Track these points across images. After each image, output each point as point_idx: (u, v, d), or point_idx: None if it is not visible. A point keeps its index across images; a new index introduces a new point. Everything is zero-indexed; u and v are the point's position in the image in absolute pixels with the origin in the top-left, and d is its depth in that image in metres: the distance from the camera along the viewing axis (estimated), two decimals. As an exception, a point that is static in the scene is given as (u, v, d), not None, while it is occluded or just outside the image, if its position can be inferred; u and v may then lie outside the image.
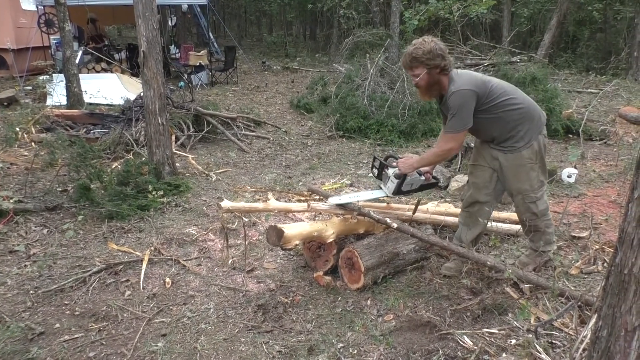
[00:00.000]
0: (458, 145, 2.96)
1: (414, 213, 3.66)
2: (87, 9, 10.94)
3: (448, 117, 2.93)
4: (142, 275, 3.48)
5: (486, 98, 2.90)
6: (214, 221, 4.40)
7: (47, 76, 9.42)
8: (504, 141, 3.03)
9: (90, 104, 8.74)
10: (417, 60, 2.90)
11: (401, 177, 3.11)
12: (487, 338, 2.66)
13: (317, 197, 3.96)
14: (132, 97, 7.71)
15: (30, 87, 10.14)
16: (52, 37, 11.18)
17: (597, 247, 3.66)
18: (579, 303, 2.80)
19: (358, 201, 3.29)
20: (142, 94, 5.70)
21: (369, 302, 3.13)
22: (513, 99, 2.97)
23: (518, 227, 3.62)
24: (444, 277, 3.35)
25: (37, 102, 8.95)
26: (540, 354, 2.43)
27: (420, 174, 3.22)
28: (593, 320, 2.10)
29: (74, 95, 8.56)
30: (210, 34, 14.63)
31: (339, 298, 3.19)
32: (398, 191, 3.18)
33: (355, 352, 2.66)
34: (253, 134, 7.77)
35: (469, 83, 2.87)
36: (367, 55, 9.13)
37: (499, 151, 3.07)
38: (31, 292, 3.27)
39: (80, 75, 9.02)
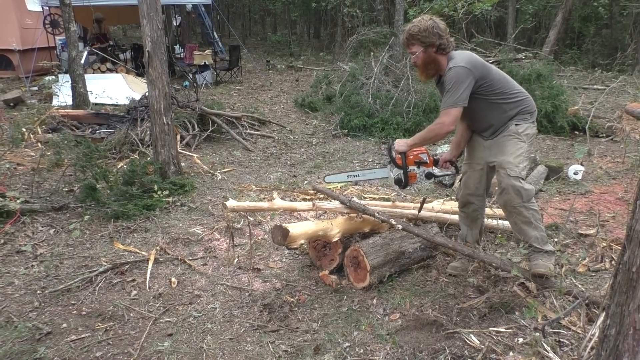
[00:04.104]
0: (450, 121, 2.85)
1: (419, 211, 3.65)
2: (92, 9, 10.97)
3: (444, 94, 2.91)
4: (148, 275, 3.48)
5: (483, 80, 2.87)
6: (220, 220, 4.41)
7: (53, 77, 9.46)
8: (497, 131, 3.00)
9: (96, 104, 8.78)
10: (413, 37, 2.92)
11: (398, 157, 3.08)
12: (494, 337, 2.65)
13: (322, 195, 3.96)
14: (137, 97, 7.72)
15: (36, 88, 10.19)
16: (57, 37, 11.23)
17: (604, 244, 3.64)
18: (587, 301, 2.79)
19: (357, 181, 3.27)
20: (147, 93, 5.71)
21: (374, 301, 3.13)
22: (513, 87, 2.99)
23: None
24: (450, 276, 3.34)
25: (43, 102, 8.99)
26: (548, 352, 2.42)
27: (435, 164, 3.20)
28: (601, 319, 2.09)
29: (80, 96, 8.60)
30: (215, 33, 14.64)
31: (345, 297, 3.18)
32: (405, 179, 3.11)
33: (362, 351, 2.65)
34: (258, 133, 7.77)
35: (466, 62, 2.85)
36: (372, 53, 9.11)
37: (491, 140, 3.05)
38: (38, 292, 3.29)
39: (86, 76, 9.07)
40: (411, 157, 3.13)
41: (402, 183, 3.13)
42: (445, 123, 2.86)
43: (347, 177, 3.56)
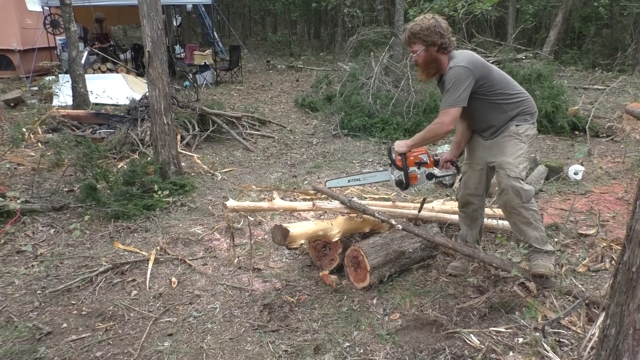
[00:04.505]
0: (449, 120, 2.85)
1: (419, 211, 3.65)
2: (92, 9, 10.98)
3: (444, 93, 2.91)
4: (148, 275, 3.49)
5: (483, 80, 2.87)
6: (220, 220, 4.41)
7: (53, 77, 9.46)
8: (497, 131, 3.01)
9: (96, 104, 8.78)
10: (414, 36, 2.92)
11: (398, 158, 3.08)
12: (494, 337, 2.65)
13: (322, 196, 3.95)
14: (138, 97, 7.72)
15: (36, 88, 10.19)
16: (57, 37, 11.22)
17: (604, 244, 3.64)
18: (587, 301, 2.79)
19: (359, 185, 3.27)
20: (147, 93, 5.72)
21: (375, 301, 3.13)
22: (514, 88, 2.99)
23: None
24: (450, 276, 3.34)
25: (44, 102, 8.99)
26: (548, 352, 2.42)
27: (436, 165, 3.20)
28: (601, 319, 2.09)
29: (80, 96, 8.60)
30: (215, 33, 14.63)
31: (345, 297, 3.18)
32: (405, 181, 3.10)
33: (362, 351, 2.65)
34: (258, 133, 7.77)
35: (467, 61, 2.85)
36: (372, 53, 9.11)
37: (491, 140, 3.05)
38: (38, 292, 3.29)
39: (86, 76, 9.06)
40: (411, 158, 3.12)
41: (404, 184, 3.12)
42: (444, 122, 2.86)
43: (349, 181, 3.56)
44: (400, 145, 3.08)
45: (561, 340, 2.58)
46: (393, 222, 3.14)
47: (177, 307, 3.14)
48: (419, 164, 3.13)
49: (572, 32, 16.86)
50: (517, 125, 2.94)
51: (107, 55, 11.28)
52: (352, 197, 4.00)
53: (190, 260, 3.73)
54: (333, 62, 14.31)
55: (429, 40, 2.88)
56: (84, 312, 3.07)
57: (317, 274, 3.46)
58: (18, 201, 4.33)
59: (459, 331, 2.72)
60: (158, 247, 3.91)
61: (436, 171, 3.19)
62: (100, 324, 2.95)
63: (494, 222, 3.70)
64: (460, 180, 3.40)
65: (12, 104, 8.85)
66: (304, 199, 4.73)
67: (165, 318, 3.02)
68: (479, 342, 2.60)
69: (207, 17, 14.64)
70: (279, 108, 9.90)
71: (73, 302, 3.19)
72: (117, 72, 10.78)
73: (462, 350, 2.57)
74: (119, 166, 5.70)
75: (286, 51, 19.36)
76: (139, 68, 11.74)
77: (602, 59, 14.02)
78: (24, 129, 6.41)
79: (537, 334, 2.58)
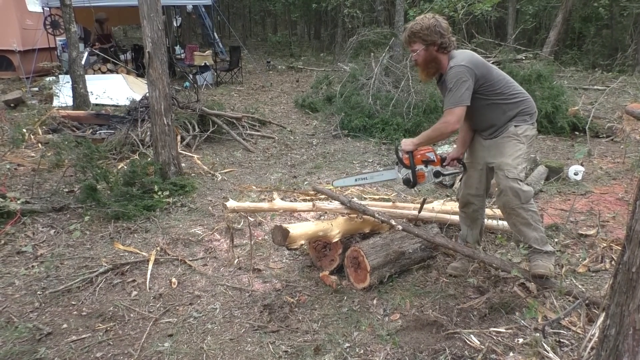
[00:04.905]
0: (454, 120, 2.84)
1: (419, 212, 3.65)
2: (92, 9, 10.98)
3: (445, 93, 2.91)
4: (148, 276, 3.49)
5: (484, 80, 2.87)
6: (220, 221, 4.41)
7: (54, 77, 9.46)
8: (497, 131, 3.01)
9: (96, 104, 8.78)
10: (415, 35, 2.93)
11: (406, 156, 3.08)
12: (494, 337, 2.65)
13: (323, 196, 3.96)
14: (138, 97, 7.73)
15: (36, 89, 10.19)
16: (58, 38, 11.23)
17: (604, 244, 3.64)
18: (587, 301, 2.79)
19: (366, 184, 3.26)
20: (147, 94, 5.72)
21: (375, 301, 3.13)
22: (514, 88, 2.99)
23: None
24: (450, 276, 3.34)
25: (44, 103, 8.99)
26: (548, 352, 2.42)
27: (442, 163, 3.19)
28: (601, 319, 2.09)
29: (80, 96, 8.61)
30: (215, 34, 14.64)
31: (345, 298, 3.18)
32: (413, 179, 3.09)
33: (362, 351, 2.65)
34: (258, 133, 7.78)
35: (467, 61, 2.85)
36: (372, 54, 9.11)
37: (491, 140, 3.06)
38: (39, 292, 3.29)
39: (86, 76, 9.06)
40: (418, 156, 3.12)
41: (411, 182, 3.12)
42: (449, 122, 2.86)
43: (355, 180, 3.55)
44: (407, 143, 3.08)
45: (561, 340, 2.58)
46: (393, 222, 3.14)
47: (177, 307, 3.15)
48: (426, 162, 3.13)
49: (572, 32, 16.86)
50: (516, 126, 2.94)
51: (108, 55, 11.29)
52: (352, 198, 4.01)
53: (191, 260, 3.73)
54: (333, 62, 14.31)
55: (429, 39, 2.89)
56: (84, 313, 3.07)
57: (317, 274, 3.46)
58: (18, 202, 4.33)
59: (459, 332, 2.72)
60: (158, 248, 3.91)
61: (443, 169, 3.19)
62: (100, 325, 2.95)
63: (494, 222, 3.70)
64: (460, 180, 3.40)
65: (12, 105, 8.86)
66: (304, 200, 4.73)
67: (165, 319, 3.02)
68: (479, 343, 2.60)
69: (207, 18, 14.64)
70: (279, 109, 9.90)
71: (73, 302, 3.19)
72: (117, 73, 10.78)
73: (463, 350, 2.57)
74: (119, 167, 5.70)
75: (286, 52, 19.37)
76: (139, 69, 11.74)
77: (602, 59, 14.02)
78: (24, 130, 6.41)
79: (537, 334, 2.58)
